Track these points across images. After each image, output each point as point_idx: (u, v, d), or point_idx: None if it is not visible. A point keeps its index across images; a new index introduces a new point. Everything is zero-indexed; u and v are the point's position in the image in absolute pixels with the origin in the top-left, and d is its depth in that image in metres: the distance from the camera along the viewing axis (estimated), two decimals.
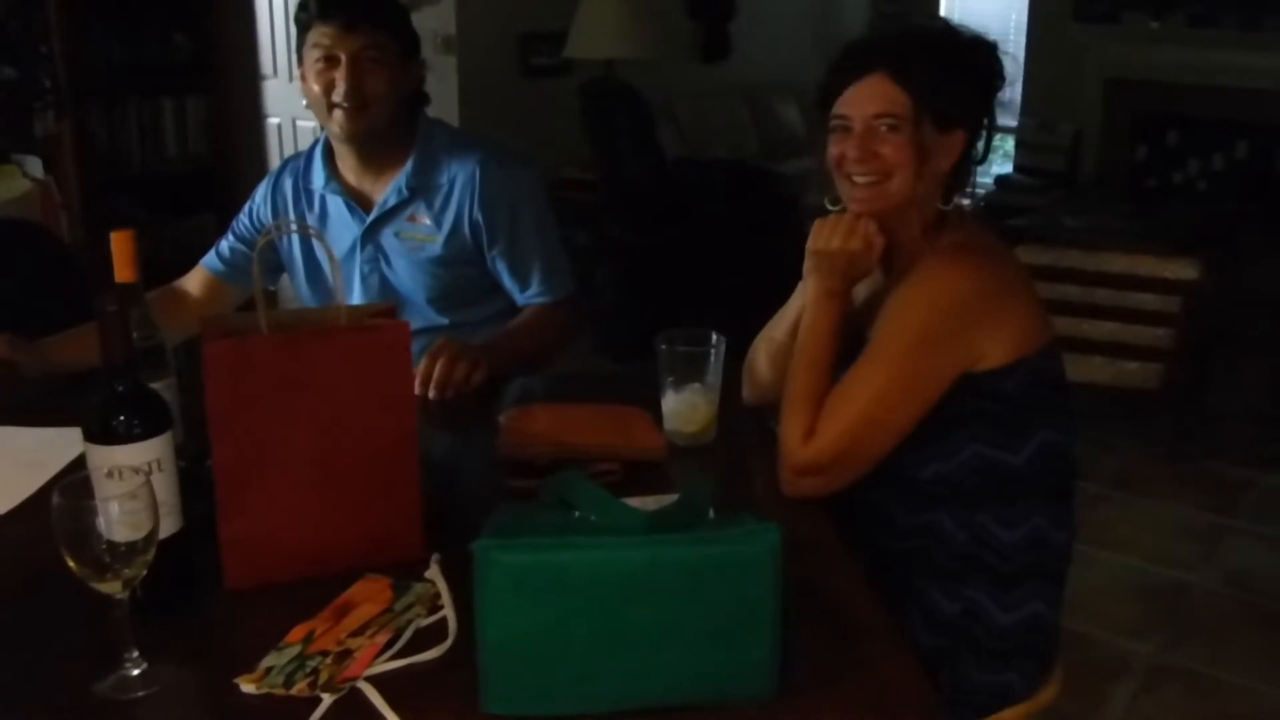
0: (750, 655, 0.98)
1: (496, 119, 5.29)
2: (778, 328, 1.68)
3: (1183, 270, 3.62)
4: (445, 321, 2.01)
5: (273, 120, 5.32)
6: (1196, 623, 2.91)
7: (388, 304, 1.31)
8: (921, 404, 1.41)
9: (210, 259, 2.11)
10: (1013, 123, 7.37)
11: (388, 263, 1.99)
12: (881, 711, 1.01)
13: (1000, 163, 8.40)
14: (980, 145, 1.52)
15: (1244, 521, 3.43)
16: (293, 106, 6.10)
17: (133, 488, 1.05)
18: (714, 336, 1.60)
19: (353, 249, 1.99)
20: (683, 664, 0.97)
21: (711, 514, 1.14)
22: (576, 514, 1.12)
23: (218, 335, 1.17)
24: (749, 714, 0.99)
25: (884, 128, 1.45)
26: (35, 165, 3.70)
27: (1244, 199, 6.33)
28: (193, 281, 2.11)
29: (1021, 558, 1.46)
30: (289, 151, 6.28)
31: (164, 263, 4.07)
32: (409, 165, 1.96)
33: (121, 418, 1.12)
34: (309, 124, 6.19)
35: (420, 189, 1.96)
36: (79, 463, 1.53)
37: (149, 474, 1.09)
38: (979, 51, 1.51)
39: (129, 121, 4.19)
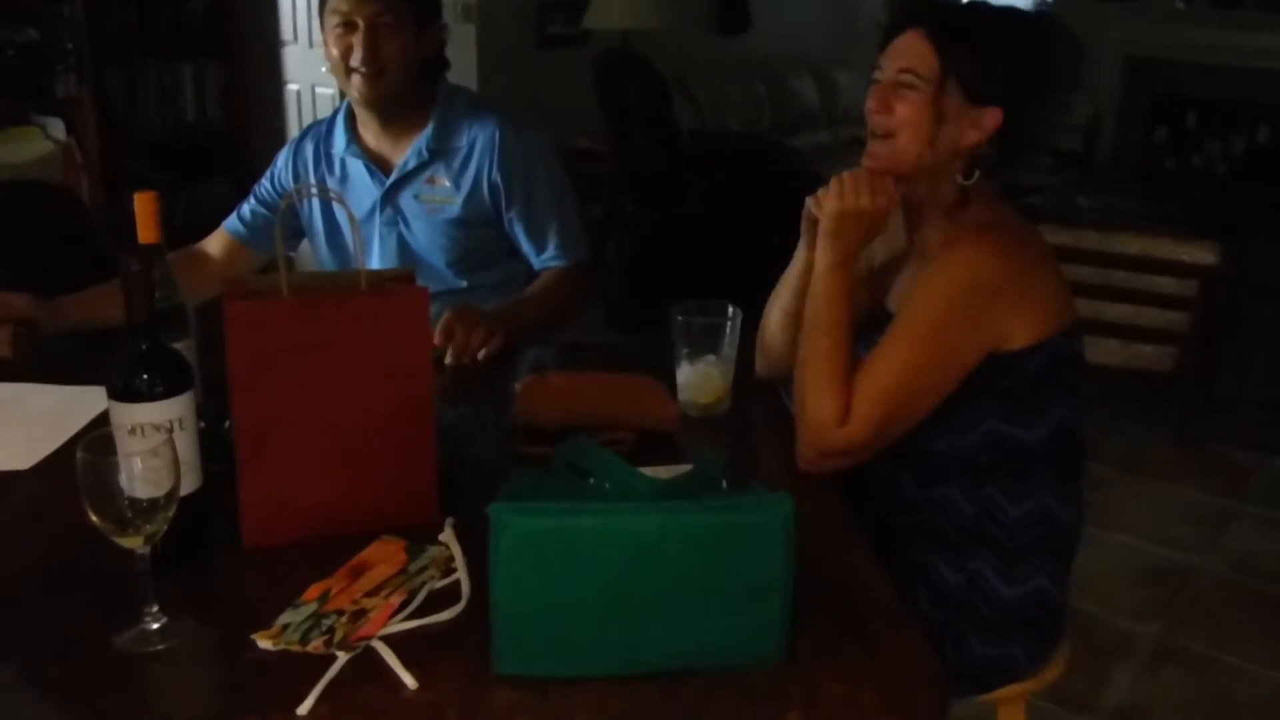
0: (760, 623, 0.99)
1: (512, 87, 5.29)
2: (782, 294, 1.68)
3: (1200, 254, 3.61)
4: (463, 284, 2.03)
5: (292, 87, 5.32)
6: (1201, 605, 2.92)
7: (407, 269, 1.32)
8: (947, 382, 1.40)
9: (231, 222, 2.12)
10: None
11: (406, 225, 2.02)
12: (888, 682, 1.02)
13: None
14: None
15: (1251, 506, 3.44)
16: (312, 73, 6.10)
17: (154, 445, 1.07)
18: (730, 309, 1.61)
19: (372, 211, 2.02)
20: (692, 630, 0.98)
21: (724, 485, 1.15)
22: (590, 481, 1.14)
23: (240, 297, 1.18)
24: (757, 680, 1.01)
25: (903, 84, 1.44)
26: (57, 127, 3.72)
27: (1264, 183, 6.29)
28: (214, 244, 2.13)
29: (1027, 533, 1.47)
30: (308, 118, 6.27)
31: (180, 226, 4.12)
32: (429, 128, 1.98)
33: (144, 376, 1.13)
34: (328, 91, 6.19)
35: (440, 151, 1.99)
36: (101, 420, 1.56)
37: (170, 432, 1.12)
38: (1032, 33, 1.49)
39: (148, 85, 4.20)
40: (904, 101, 1.44)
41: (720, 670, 1.01)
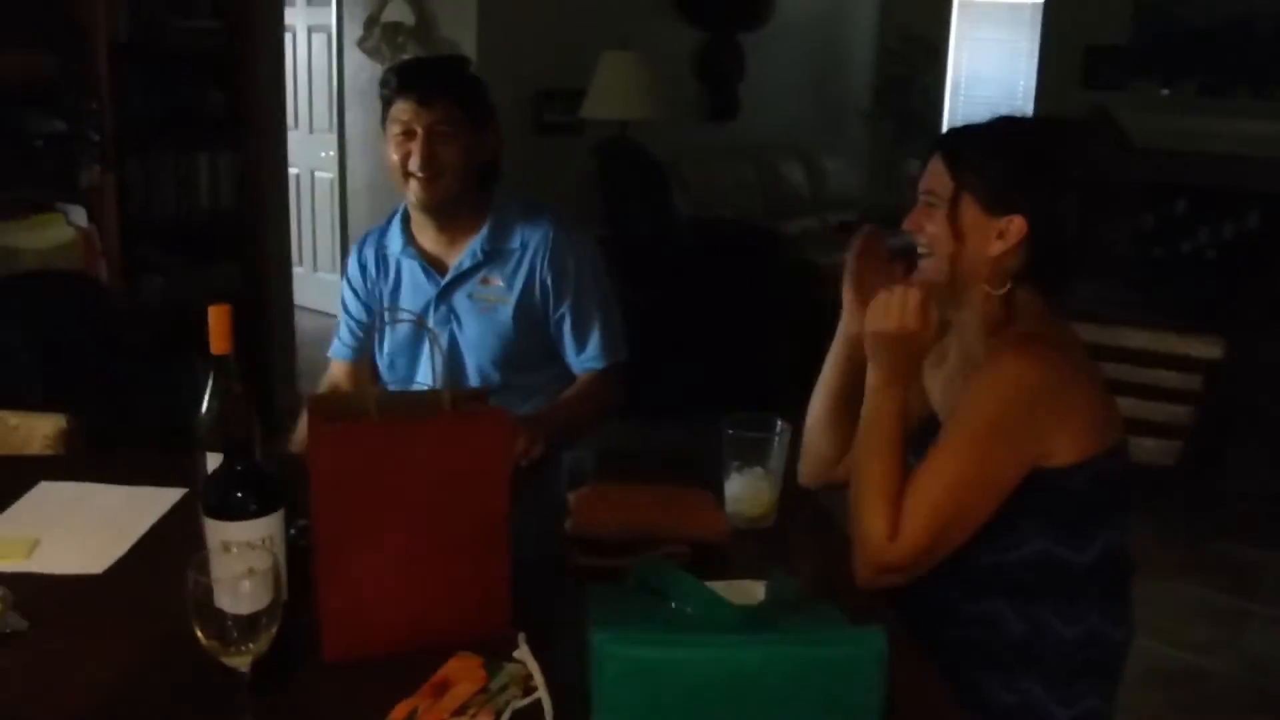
0: None
1: (510, 174, 5.38)
2: (819, 398, 1.73)
3: (1204, 348, 3.67)
4: (499, 381, 2.07)
5: (292, 171, 5.40)
6: (1220, 710, 2.93)
7: (484, 388, 1.36)
8: (996, 496, 1.42)
9: (338, 349, 2.23)
10: None
11: (459, 324, 2.08)
12: None
13: None
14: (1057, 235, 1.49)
15: (1263, 605, 3.46)
16: (311, 158, 6.23)
17: (252, 563, 1.10)
18: (779, 423, 1.64)
19: (426, 310, 2.09)
20: None
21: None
22: (672, 604, 1.16)
23: (325, 415, 1.22)
24: None
25: (927, 204, 1.52)
26: (79, 214, 3.76)
27: (1256, 269, 6.39)
28: (338, 375, 2.23)
29: (1080, 654, 1.49)
30: (307, 202, 6.38)
31: (192, 306, 4.15)
32: (484, 230, 2.06)
33: (239, 494, 1.17)
34: (327, 175, 6.32)
35: (494, 253, 2.06)
36: (166, 520, 1.59)
37: (268, 549, 1.15)
38: (1042, 138, 1.53)
39: (166, 174, 4.27)
40: (930, 220, 1.52)
41: None
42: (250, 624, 1.07)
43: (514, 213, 2.09)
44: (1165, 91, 6.72)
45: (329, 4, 6.00)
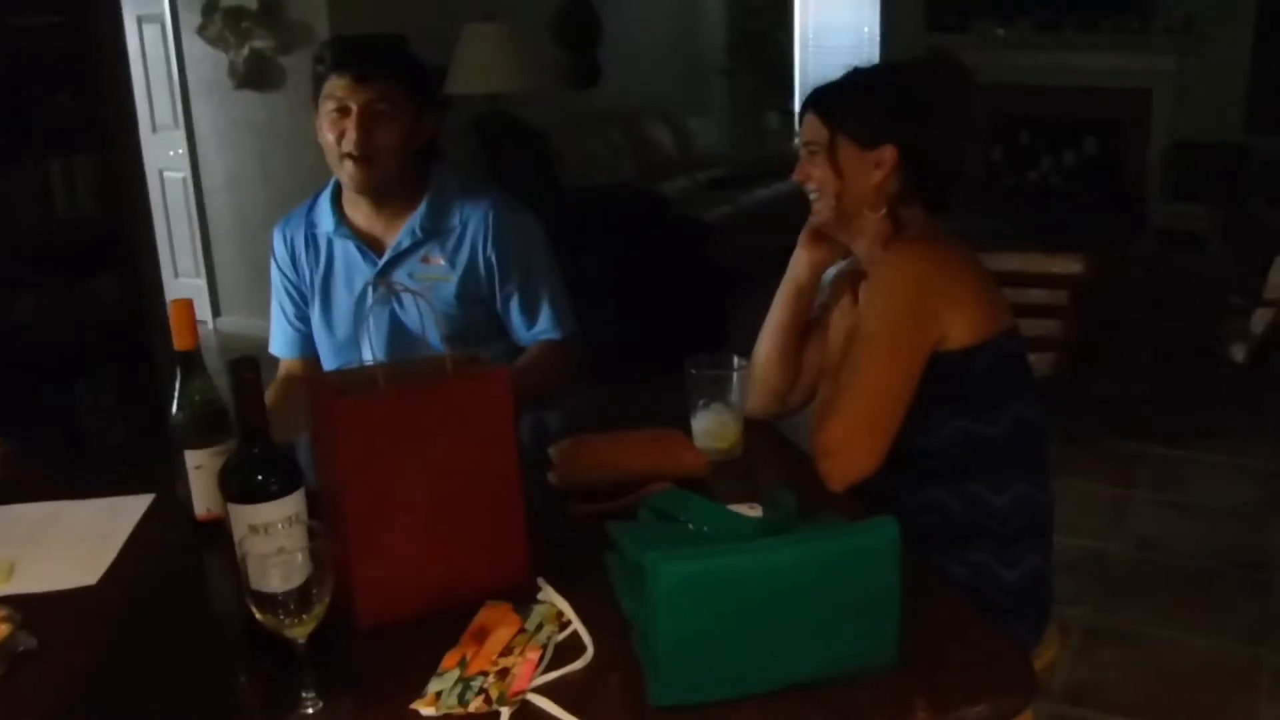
0: (878, 631, 1.12)
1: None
2: (765, 338, 1.90)
3: (1069, 265, 3.93)
4: None
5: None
6: (1119, 587, 3.18)
7: (469, 353, 1.39)
8: (909, 382, 1.60)
9: (284, 347, 2.19)
10: None
11: (399, 303, 2.05)
12: (986, 670, 1.17)
13: None
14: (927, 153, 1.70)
15: (1142, 491, 3.75)
16: (158, 157, 6.00)
17: (284, 542, 1.14)
18: (736, 360, 1.74)
19: (364, 292, 2.06)
20: (823, 644, 1.10)
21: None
22: (689, 525, 1.25)
23: (333, 394, 1.25)
24: (879, 682, 1.14)
25: (809, 153, 1.74)
26: None
27: (1099, 191, 6.82)
28: (291, 369, 2.20)
29: (1014, 520, 1.66)
30: (158, 204, 6.15)
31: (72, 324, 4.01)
32: (422, 209, 2.04)
33: (259, 477, 1.20)
34: (177, 175, 6.12)
35: (433, 231, 2.05)
36: (142, 526, 1.60)
37: (299, 524, 1.19)
38: (897, 76, 1.77)
39: (18, 183, 4.10)
40: (814, 166, 1.74)
41: (847, 676, 1.13)
42: (301, 597, 1.11)
43: (452, 190, 2.08)
44: (1001, 31, 7.09)
45: None
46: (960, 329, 1.60)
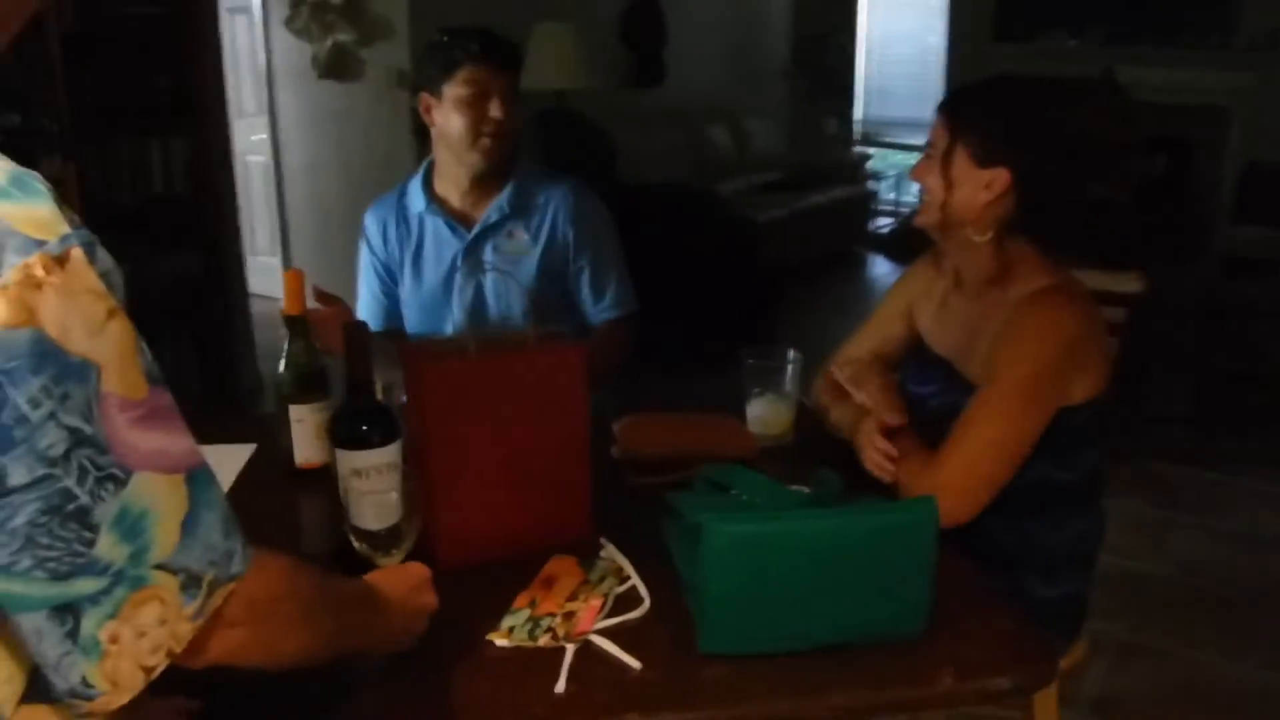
0: (910, 602, 1.23)
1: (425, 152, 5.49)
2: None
3: (1128, 284, 3.97)
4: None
5: None
6: (1156, 606, 3.24)
7: (552, 328, 1.52)
8: (1032, 441, 1.56)
9: (370, 320, 2.28)
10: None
11: (484, 275, 2.24)
12: (1009, 640, 1.28)
13: None
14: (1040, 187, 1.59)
15: (1184, 515, 3.80)
16: (241, 142, 6.21)
17: (381, 485, 1.28)
18: (790, 352, 1.86)
19: (453, 263, 2.25)
20: (858, 609, 1.22)
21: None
22: (743, 496, 1.37)
23: (424, 359, 1.39)
24: (910, 647, 1.25)
25: (927, 156, 1.67)
26: None
27: (1162, 211, 6.75)
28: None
29: (1064, 551, 1.71)
30: (241, 186, 6.38)
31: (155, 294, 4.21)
32: (509, 188, 2.23)
33: (364, 427, 1.33)
34: (259, 159, 6.34)
35: (519, 208, 2.24)
36: (248, 471, 1.74)
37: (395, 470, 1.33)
38: (1025, 93, 1.64)
39: (121, 161, 4.32)
40: (927, 170, 1.67)
41: (880, 641, 1.24)
42: (391, 535, 1.25)
43: (535, 174, 2.27)
44: (1073, 42, 7.00)
45: None
46: (1081, 388, 1.59)
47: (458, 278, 2.25)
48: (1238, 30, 6.52)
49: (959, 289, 1.77)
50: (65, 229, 0.72)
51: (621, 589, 1.36)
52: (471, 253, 2.24)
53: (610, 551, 1.44)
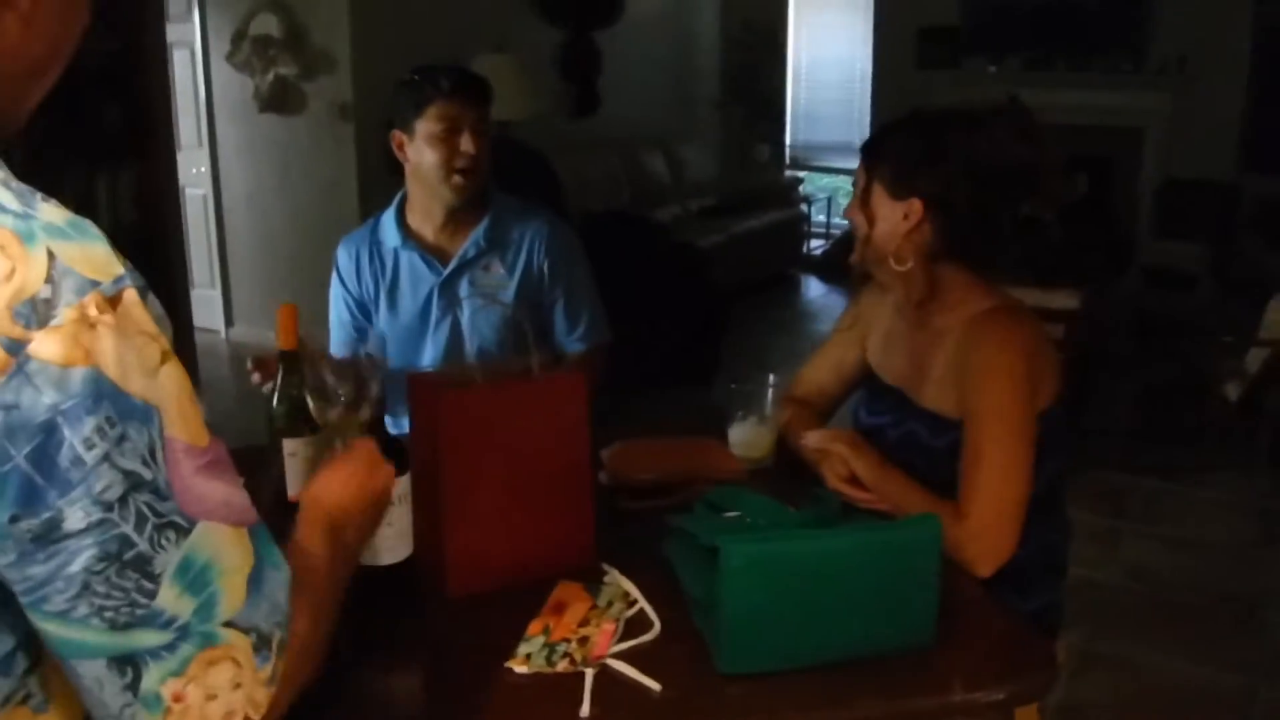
0: (918, 614, 1.27)
1: (394, 182, 5.50)
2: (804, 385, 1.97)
3: (1064, 300, 4.11)
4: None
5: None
6: (1111, 614, 3.33)
7: (554, 356, 1.55)
8: (1033, 446, 1.59)
9: (343, 353, 2.23)
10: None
11: (460, 309, 2.26)
12: (1012, 650, 1.33)
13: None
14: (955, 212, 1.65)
15: (1131, 523, 3.91)
16: (182, 175, 6.14)
17: (392, 519, 1.30)
18: (771, 377, 1.90)
19: (429, 297, 2.26)
20: (869, 623, 1.26)
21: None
22: (745, 518, 1.40)
23: (434, 388, 1.40)
24: (919, 659, 1.29)
25: (852, 195, 1.77)
26: None
27: (1087, 228, 6.97)
28: None
29: (1035, 564, 1.74)
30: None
31: None
32: (485, 221, 2.25)
33: None
34: (198, 191, 6.27)
35: (495, 242, 2.26)
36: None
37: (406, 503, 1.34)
38: (928, 126, 1.69)
39: (68, 192, 4.26)
40: (852, 207, 1.76)
41: (890, 654, 1.28)
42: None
43: (511, 208, 2.30)
44: (993, 69, 7.24)
45: (190, 20, 5.97)
46: (1040, 397, 1.63)
47: (434, 311, 2.26)
48: (1149, 55, 6.80)
49: (901, 319, 1.83)
50: (120, 270, 0.72)
51: (630, 612, 1.39)
52: (448, 288, 2.26)
53: (615, 576, 1.46)
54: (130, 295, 0.71)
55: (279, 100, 5.75)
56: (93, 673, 0.72)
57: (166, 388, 0.72)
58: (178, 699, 0.73)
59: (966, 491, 1.57)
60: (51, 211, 0.72)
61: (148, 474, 0.70)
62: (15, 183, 0.75)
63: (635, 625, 1.36)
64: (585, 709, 1.19)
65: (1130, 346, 4.96)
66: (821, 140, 8.61)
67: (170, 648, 0.72)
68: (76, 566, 0.69)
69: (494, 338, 2.25)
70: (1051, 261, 5.68)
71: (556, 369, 1.51)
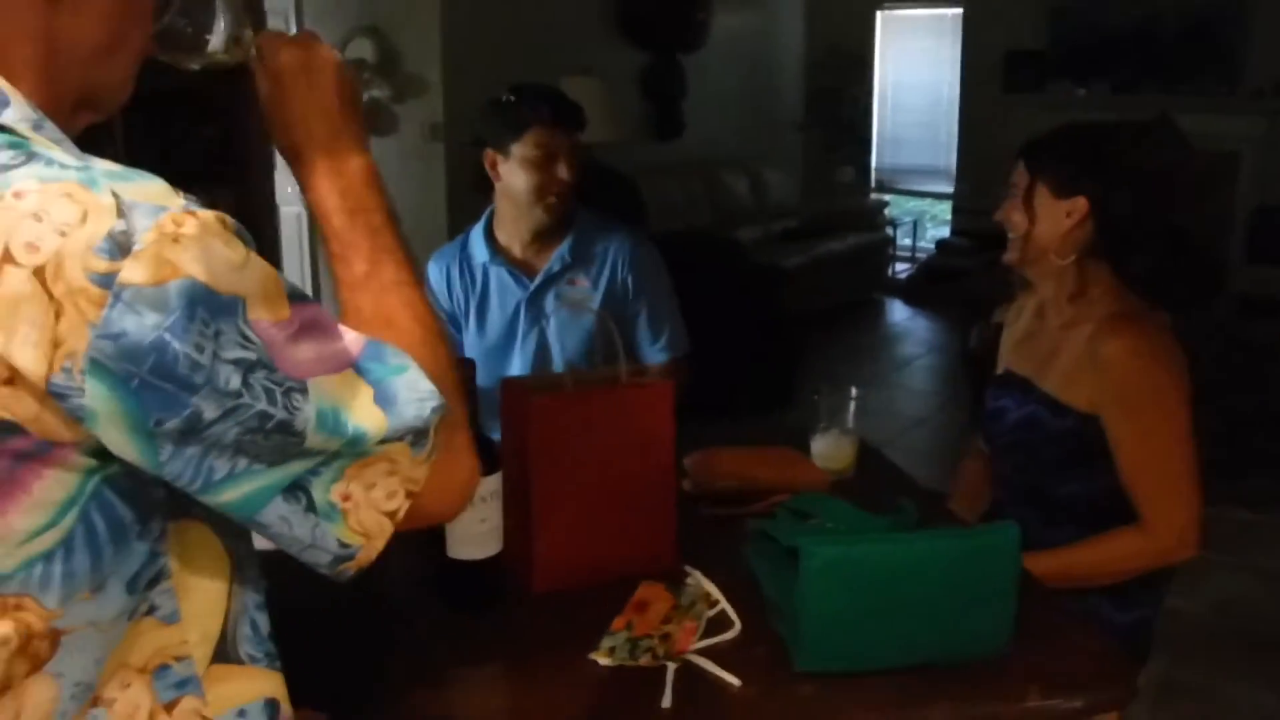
0: (995, 621, 1.29)
1: (481, 199, 5.62)
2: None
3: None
4: None
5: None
6: (1196, 645, 3.28)
7: (641, 366, 1.60)
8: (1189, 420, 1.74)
9: None
10: (949, 189, 7.93)
11: (547, 323, 2.33)
12: (1092, 660, 1.34)
13: (936, 227, 8.94)
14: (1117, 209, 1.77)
15: (1222, 554, 3.84)
16: (277, 194, 6.35)
17: (485, 515, 1.36)
18: (853, 390, 1.93)
19: (516, 311, 2.34)
20: (944, 628, 1.28)
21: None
22: (827, 524, 1.44)
23: (526, 394, 1.46)
24: (996, 665, 1.31)
25: (1010, 196, 1.86)
26: None
27: (1176, 253, 6.85)
28: None
29: (1137, 577, 1.78)
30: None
31: None
32: (570, 238, 2.32)
33: None
34: (292, 210, 6.46)
35: (580, 258, 2.33)
36: None
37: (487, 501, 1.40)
38: (1094, 133, 1.85)
39: None
40: (1012, 207, 1.85)
41: (965, 659, 1.30)
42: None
43: (593, 224, 2.37)
44: (1081, 92, 7.18)
45: None
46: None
47: (521, 325, 2.33)
48: (1244, 78, 6.69)
49: (1041, 317, 1.92)
50: (181, 200, 0.75)
51: (712, 613, 1.43)
52: (534, 301, 2.33)
53: (697, 578, 1.50)
54: (204, 213, 0.74)
55: (371, 121, 5.89)
56: (276, 514, 0.78)
57: (253, 278, 0.75)
58: (345, 498, 0.80)
59: (1149, 500, 1.72)
60: (107, 162, 0.76)
61: (252, 355, 0.74)
62: (71, 145, 0.79)
63: (716, 625, 1.40)
64: (667, 700, 1.23)
65: (1220, 373, 4.86)
66: (907, 164, 8.58)
67: (325, 464, 0.78)
68: (229, 439, 0.74)
69: (580, 350, 2.30)
70: (1141, 285, 5.64)
71: (644, 379, 1.55)
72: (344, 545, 0.81)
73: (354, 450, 0.79)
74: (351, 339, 0.81)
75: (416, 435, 0.81)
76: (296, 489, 0.78)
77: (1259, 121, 6.68)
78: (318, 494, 0.79)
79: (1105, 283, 1.82)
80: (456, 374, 0.91)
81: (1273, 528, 4.04)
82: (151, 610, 0.81)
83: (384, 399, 0.80)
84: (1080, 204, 1.78)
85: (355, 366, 0.80)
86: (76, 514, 0.75)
